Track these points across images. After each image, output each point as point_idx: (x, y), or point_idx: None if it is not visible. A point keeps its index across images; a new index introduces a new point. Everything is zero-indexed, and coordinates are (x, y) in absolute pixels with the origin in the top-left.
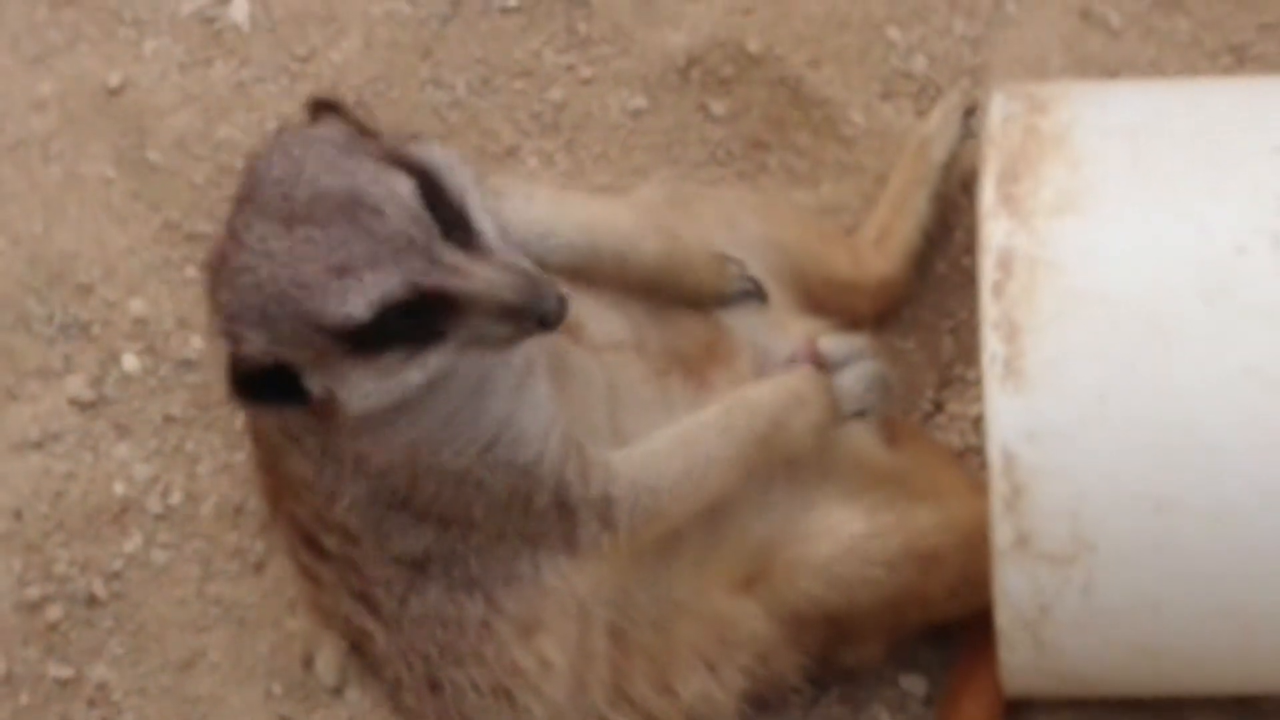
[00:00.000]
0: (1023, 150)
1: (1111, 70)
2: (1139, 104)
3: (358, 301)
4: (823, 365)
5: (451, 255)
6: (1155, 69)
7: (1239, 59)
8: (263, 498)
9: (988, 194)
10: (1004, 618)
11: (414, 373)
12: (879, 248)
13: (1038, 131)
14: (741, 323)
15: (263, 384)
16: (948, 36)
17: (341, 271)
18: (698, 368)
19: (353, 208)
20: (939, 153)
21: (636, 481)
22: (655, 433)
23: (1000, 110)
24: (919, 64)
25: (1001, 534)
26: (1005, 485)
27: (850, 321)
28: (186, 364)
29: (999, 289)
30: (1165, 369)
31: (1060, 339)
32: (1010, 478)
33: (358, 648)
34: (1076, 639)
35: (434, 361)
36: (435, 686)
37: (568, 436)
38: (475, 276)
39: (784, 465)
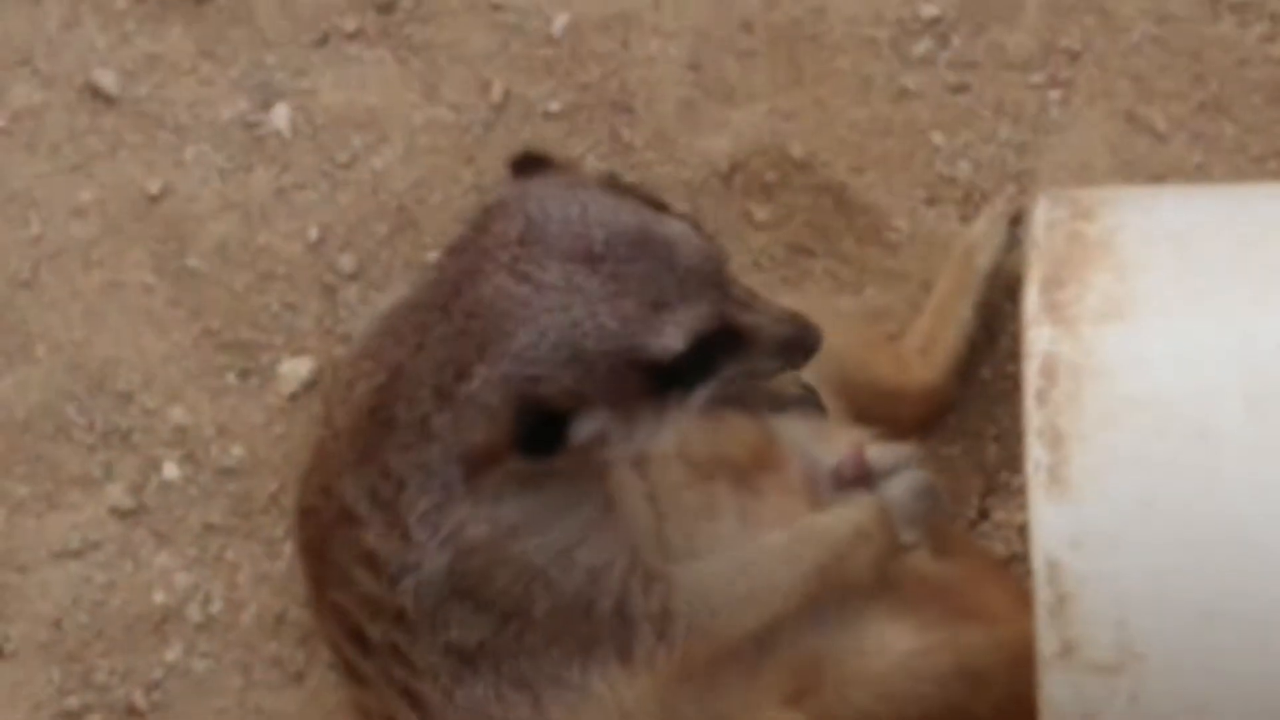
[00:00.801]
0: (1067, 256)
1: (1157, 175)
2: (1185, 209)
3: (675, 334)
4: (870, 474)
5: (738, 289)
6: (1202, 173)
7: None
8: (307, 589)
9: (1031, 300)
10: None
11: (689, 408)
12: (924, 355)
13: (1083, 237)
14: (789, 429)
15: (538, 431)
16: (992, 142)
17: (657, 306)
18: (746, 474)
19: (649, 244)
20: (984, 260)
21: (697, 600)
22: (719, 553)
23: (1045, 216)
24: (963, 170)
25: (1046, 642)
26: (1050, 593)
27: (896, 429)
28: (227, 472)
29: (1043, 396)
30: (1211, 475)
31: (1105, 446)
32: (1055, 586)
33: None
34: None
35: (700, 397)
36: None
37: (636, 547)
38: (759, 310)
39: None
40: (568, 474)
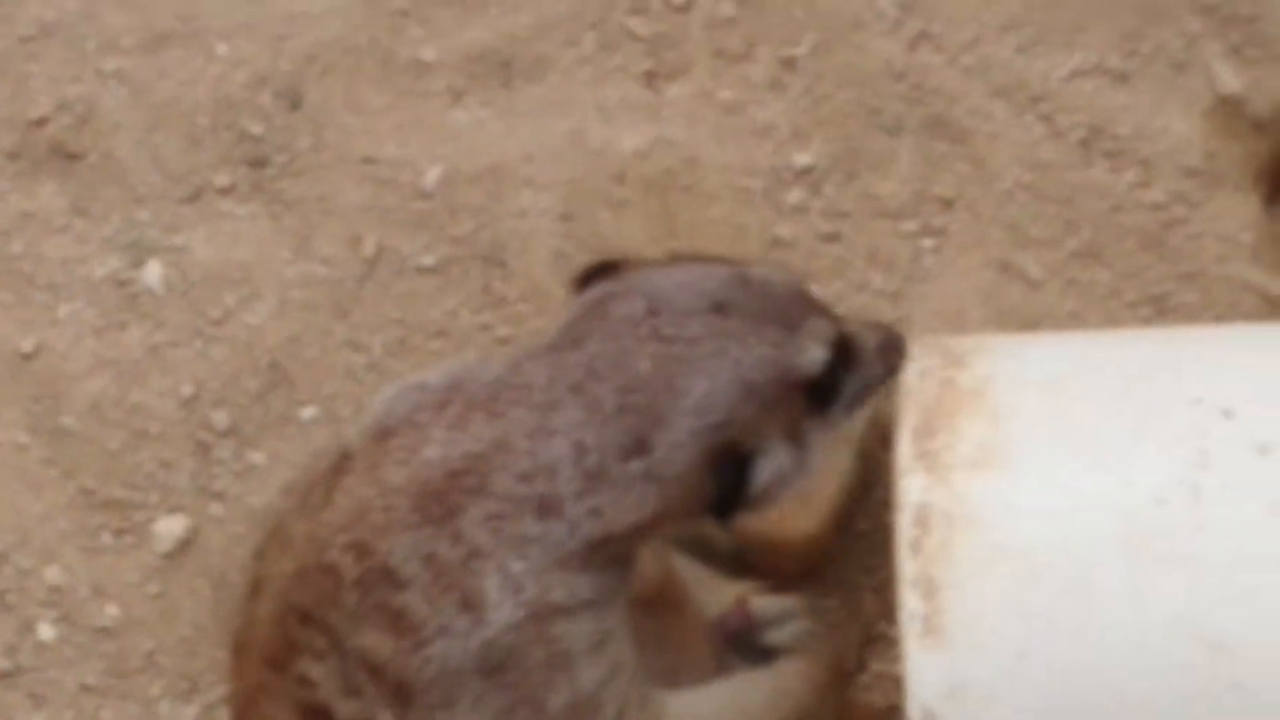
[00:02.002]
0: (939, 404)
1: (1032, 322)
2: (1057, 356)
3: (816, 346)
4: (754, 626)
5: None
6: (1076, 320)
7: (1159, 309)
8: (256, 669)
9: (904, 449)
10: None
11: (834, 430)
12: (804, 506)
13: (955, 385)
14: (684, 570)
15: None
16: (866, 290)
17: (790, 328)
18: (652, 609)
19: (752, 285)
20: None
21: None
22: (709, 686)
23: (916, 365)
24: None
25: None
26: None
27: (779, 580)
28: (102, 632)
29: (916, 545)
30: (1086, 623)
31: (979, 595)
32: None
33: None
34: None
35: (838, 416)
36: None
37: (636, 661)
38: (851, 322)
39: None
40: (625, 571)
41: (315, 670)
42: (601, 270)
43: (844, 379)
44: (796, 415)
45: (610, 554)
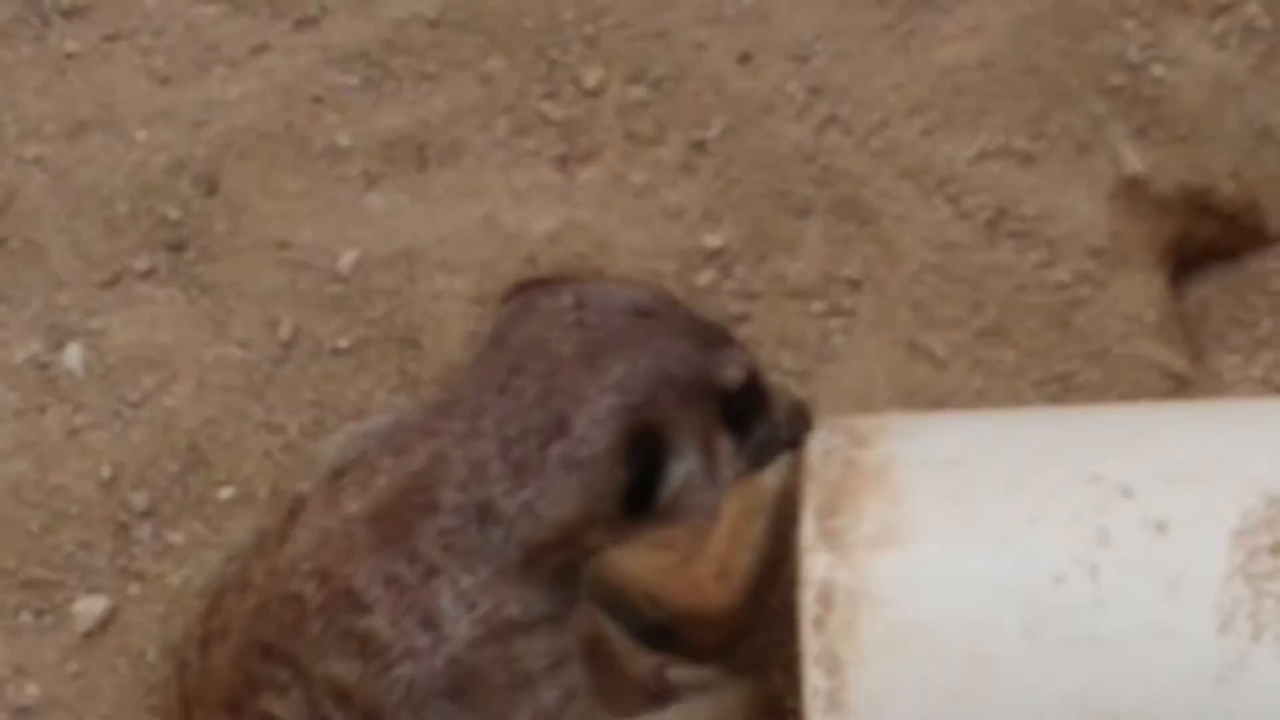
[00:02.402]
0: (843, 484)
1: (939, 401)
2: (960, 436)
3: (737, 367)
4: (670, 692)
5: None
6: (982, 399)
7: (1065, 387)
8: (216, 712)
9: (808, 528)
10: None
11: (738, 463)
12: (720, 580)
13: (858, 465)
14: (613, 631)
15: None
16: (775, 370)
17: (713, 345)
18: (588, 658)
19: (680, 305)
20: (772, 482)
21: None
22: (651, 715)
23: (820, 444)
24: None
25: None
26: None
27: (698, 652)
28: (23, 711)
29: (820, 623)
30: (987, 701)
31: (883, 673)
32: None
33: None
34: None
35: (745, 459)
36: None
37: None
38: (769, 382)
39: None
40: (573, 592)
41: (279, 705)
42: (532, 285)
43: (755, 418)
44: (712, 430)
45: (553, 567)
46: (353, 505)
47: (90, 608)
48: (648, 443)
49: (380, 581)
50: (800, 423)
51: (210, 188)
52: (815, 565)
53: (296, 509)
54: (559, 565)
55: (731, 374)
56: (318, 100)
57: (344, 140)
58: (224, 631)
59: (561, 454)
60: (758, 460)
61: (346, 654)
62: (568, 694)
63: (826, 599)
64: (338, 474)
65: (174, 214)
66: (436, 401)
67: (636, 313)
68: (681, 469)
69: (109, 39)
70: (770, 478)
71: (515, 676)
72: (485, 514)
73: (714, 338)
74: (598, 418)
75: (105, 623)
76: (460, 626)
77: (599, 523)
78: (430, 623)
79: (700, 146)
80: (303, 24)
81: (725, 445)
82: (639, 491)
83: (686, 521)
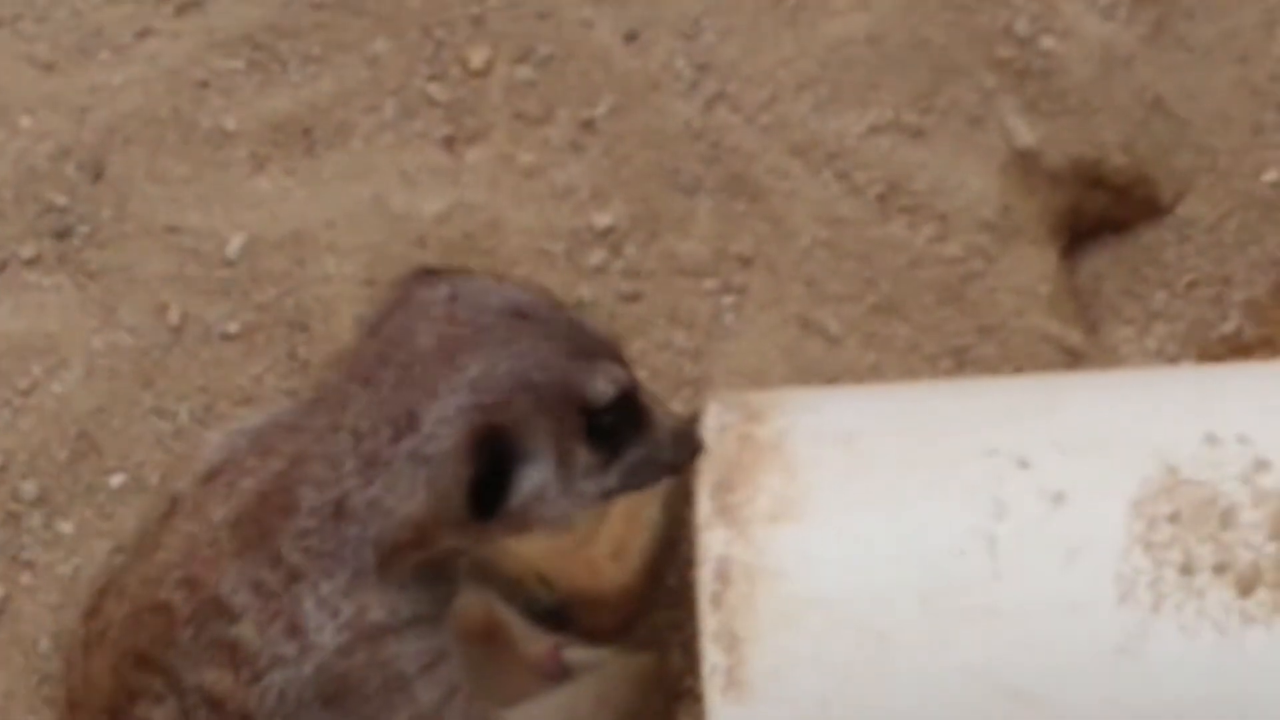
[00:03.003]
0: (738, 459)
1: (832, 377)
2: (856, 409)
3: (606, 383)
4: (566, 672)
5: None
6: (876, 374)
7: (959, 361)
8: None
9: (704, 505)
10: None
11: (603, 485)
12: (617, 560)
13: (753, 440)
14: (507, 616)
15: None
16: (667, 349)
17: (587, 356)
18: (482, 642)
19: (563, 310)
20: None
21: None
22: (537, 701)
23: (715, 420)
24: (640, 377)
25: None
26: None
27: (594, 635)
28: None
29: (717, 599)
30: (885, 672)
31: (780, 648)
32: None
33: None
34: None
35: (614, 478)
36: None
37: (474, 690)
38: (657, 402)
39: None
40: (444, 590)
41: (156, 713)
42: (422, 274)
43: (628, 438)
44: (571, 441)
45: (412, 567)
46: (219, 510)
47: None
48: (497, 445)
49: (247, 588)
50: (686, 448)
51: (96, 174)
52: (712, 542)
53: (171, 511)
54: (418, 565)
55: (600, 387)
56: (203, 84)
57: (230, 124)
58: (102, 637)
59: (410, 449)
60: (632, 482)
61: (217, 663)
62: (448, 692)
63: (724, 575)
64: (208, 477)
65: (60, 200)
66: (310, 398)
67: (512, 313)
68: (534, 476)
69: None
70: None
71: (389, 680)
72: (340, 512)
73: (591, 349)
74: (446, 415)
75: None
76: (325, 635)
77: (449, 523)
78: (296, 629)
79: (588, 125)
80: (186, 8)
81: (585, 459)
82: (490, 494)
83: (538, 530)
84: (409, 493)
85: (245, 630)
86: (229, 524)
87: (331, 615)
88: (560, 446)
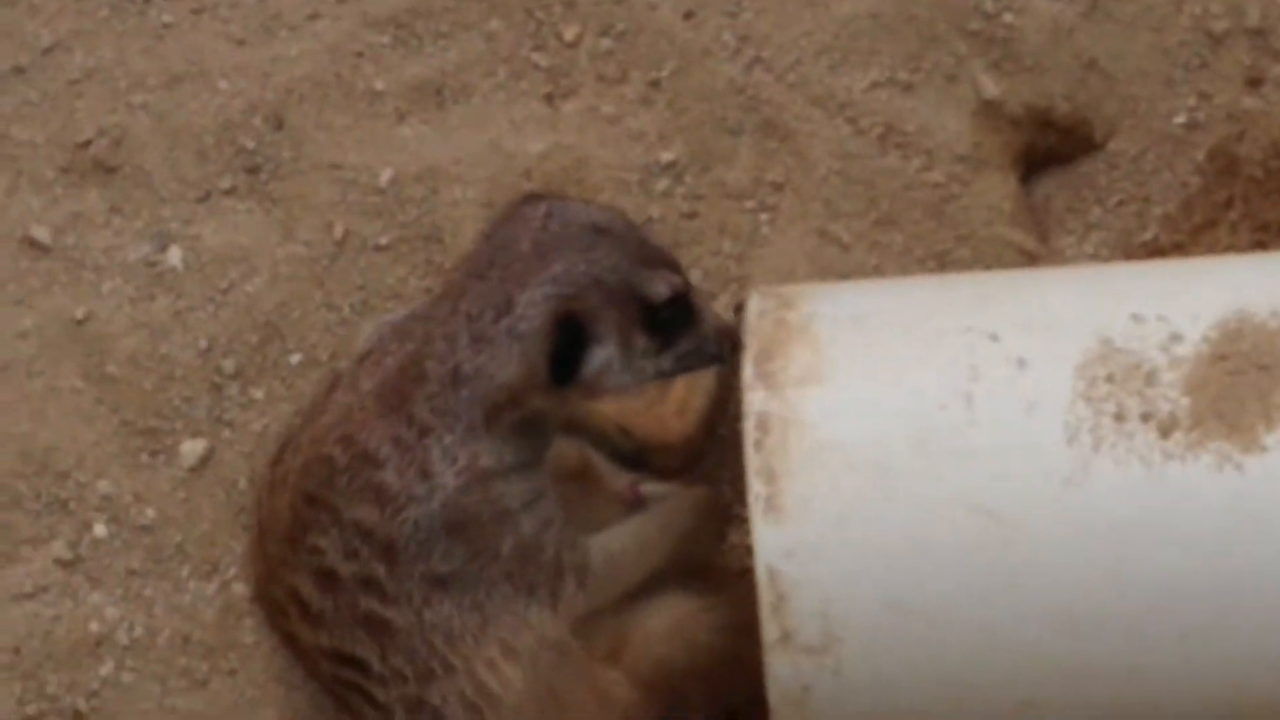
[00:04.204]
0: (774, 337)
1: (844, 275)
2: (864, 298)
3: (663, 285)
4: (642, 501)
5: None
6: (877, 272)
7: (941, 263)
8: (275, 547)
9: (747, 371)
10: (774, 697)
11: (659, 365)
12: (680, 416)
13: (786, 322)
14: (597, 460)
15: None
16: (718, 255)
17: (649, 264)
18: (578, 483)
19: (634, 230)
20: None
21: (606, 561)
22: (615, 528)
23: (755, 308)
24: (695, 277)
25: (769, 632)
26: (770, 594)
27: (663, 472)
28: (143, 529)
29: (759, 444)
30: (888, 500)
31: (807, 480)
32: (774, 588)
33: (344, 686)
34: (833, 712)
35: (667, 362)
36: (419, 706)
37: (566, 522)
38: (705, 305)
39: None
40: (540, 443)
41: (323, 540)
42: (529, 197)
43: (680, 332)
44: (632, 330)
45: (511, 423)
46: (368, 383)
47: (194, 449)
48: (572, 327)
49: (389, 442)
50: (727, 343)
51: (277, 124)
52: (754, 400)
53: (334, 384)
54: (515, 421)
55: (658, 289)
56: (359, 55)
57: (379, 85)
58: (283, 481)
59: (507, 327)
60: (682, 366)
61: (367, 501)
62: (545, 522)
63: (763, 425)
64: (360, 359)
65: (250, 144)
66: (438, 294)
67: (592, 228)
68: (601, 354)
69: (195, 12)
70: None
71: (498, 514)
72: (456, 379)
73: (654, 259)
74: (534, 300)
75: (205, 460)
76: (448, 477)
77: (536, 388)
78: (427, 474)
79: (655, 84)
80: None
81: (643, 344)
82: (566, 367)
83: (608, 396)
84: (505, 361)
85: (388, 475)
86: (374, 393)
87: (452, 462)
88: (623, 333)
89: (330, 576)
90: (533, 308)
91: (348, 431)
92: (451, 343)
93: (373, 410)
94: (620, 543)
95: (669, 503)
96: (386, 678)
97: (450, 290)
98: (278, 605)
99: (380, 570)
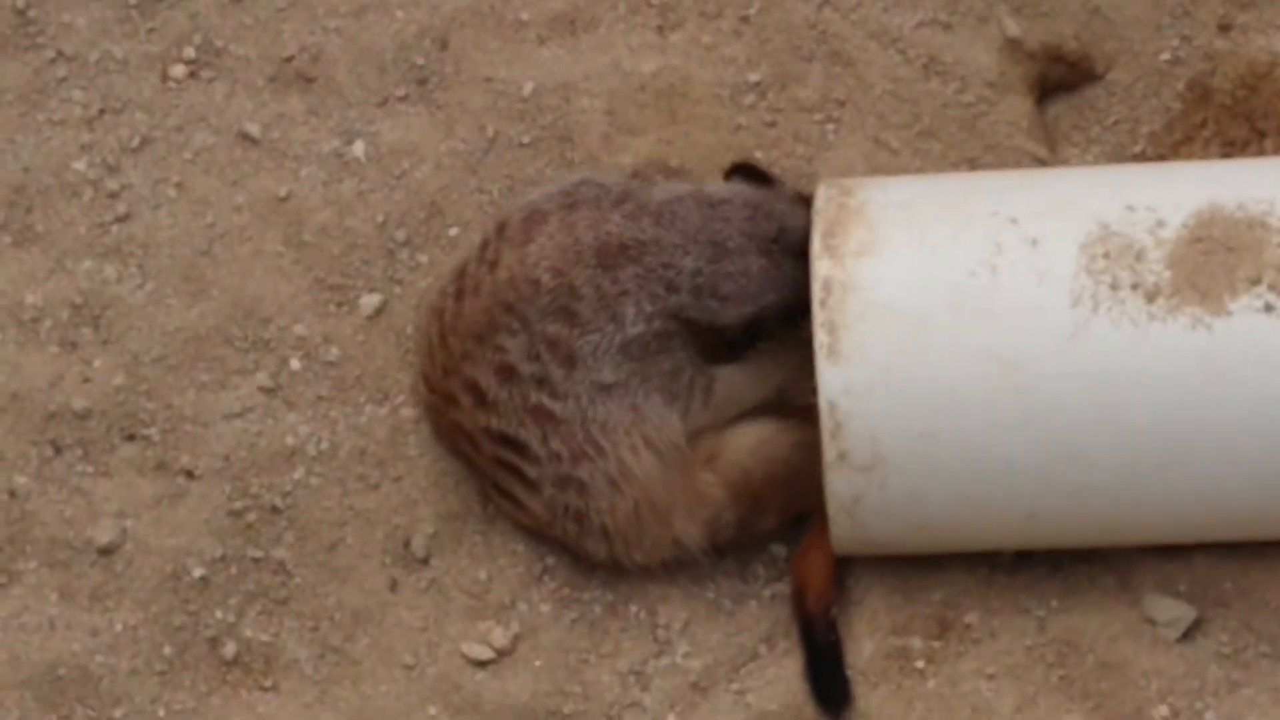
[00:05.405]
0: (838, 218)
1: (894, 173)
2: (909, 189)
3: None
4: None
5: None
6: (920, 171)
7: (972, 166)
8: (461, 344)
9: (815, 243)
10: (832, 506)
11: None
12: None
13: (846, 206)
14: None
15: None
16: (793, 157)
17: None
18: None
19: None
20: None
21: (727, 388)
22: (733, 366)
23: (823, 194)
24: (777, 170)
25: (828, 452)
26: (830, 422)
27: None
28: (329, 364)
29: (823, 302)
30: (926, 350)
31: (861, 332)
32: (833, 417)
33: (499, 464)
34: (877, 519)
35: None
36: (568, 481)
37: (700, 361)
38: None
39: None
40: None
41: (509, 342)
42: (736, 168)
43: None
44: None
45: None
46: (586, 235)
47: (371, 301)
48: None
49: (592, 286)
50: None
51: (442, 45)
52: (820, 267)
53: (534, 218)
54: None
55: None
56: None
57: (525, 16)
58: (475, 289)
59: (709, 239)
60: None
61: (561, 320)
62: (689, 355)
63: (827, 288)
64: (572, 206)
65: (419, 61)
66: (663, 198)
67: (795, 198)
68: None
69: None
70: None
71: (662, 347)
72: (671, 286)
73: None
74: (748, 294)
75: (380, 310)
76: (636, 328)
77: (726, 339)
78: (617, 318)
79: (745, 19)
80: None
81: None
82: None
83: None
84: (720, 313)
85: (585, 308)
86: (593, 248)
87: (644, 321)
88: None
89: (510, 371)
90: (737, 233)
91: (560, 265)
92: (677, 268)
93: (589, 261)
94: (740, 376)
95: (777, 353)
96: (542, 458)
97: (678, 216)
98: (450, 396)
99: (558, 373)
